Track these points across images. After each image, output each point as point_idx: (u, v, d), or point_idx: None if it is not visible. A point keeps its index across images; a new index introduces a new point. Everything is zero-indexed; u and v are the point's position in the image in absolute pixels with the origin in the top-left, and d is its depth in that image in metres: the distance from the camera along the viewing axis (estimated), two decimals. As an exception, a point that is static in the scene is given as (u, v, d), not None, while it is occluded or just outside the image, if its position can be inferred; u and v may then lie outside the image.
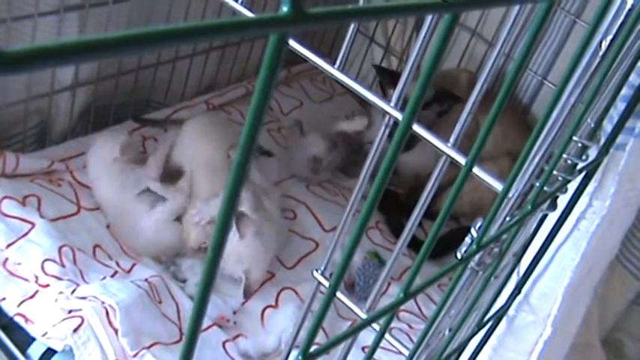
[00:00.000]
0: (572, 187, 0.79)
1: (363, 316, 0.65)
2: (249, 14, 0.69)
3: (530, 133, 0.57)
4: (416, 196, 0.66)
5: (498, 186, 0.60)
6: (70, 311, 1.27)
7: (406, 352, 0.69)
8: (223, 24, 0.24)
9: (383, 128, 0.66)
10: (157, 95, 1.90)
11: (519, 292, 0.87)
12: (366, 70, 2.33)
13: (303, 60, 0.66)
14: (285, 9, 0.25)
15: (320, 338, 1.37)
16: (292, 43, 0.63)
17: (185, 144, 1.66)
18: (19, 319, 1.28)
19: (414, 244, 1.64)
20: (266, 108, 0.26)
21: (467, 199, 1.79)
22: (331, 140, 1.87)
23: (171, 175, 1.64)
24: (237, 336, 1.42)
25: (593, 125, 0.74)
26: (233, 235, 1.46)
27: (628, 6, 0.61)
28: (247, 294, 1.48)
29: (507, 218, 0.66)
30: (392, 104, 0.65)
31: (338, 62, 0.67)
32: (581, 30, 1.80)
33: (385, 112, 0.66)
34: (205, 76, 2.00)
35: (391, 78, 1.79)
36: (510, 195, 0.64)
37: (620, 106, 0.77)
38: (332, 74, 0.68)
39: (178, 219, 1.54)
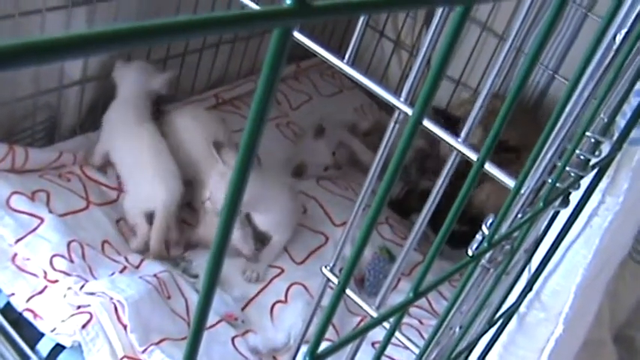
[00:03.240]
0: (585, 183, 0.78)
1: (374, 314, 0.64)
2: (255, 7, 0.68)
3: (540, 130, 0.55)
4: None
5: (510, 182, 0.59)
6: (78, 307, 1.27)
7: (416, 350, 0.68)
8: (227, 17, 0.23)
9: (392, 124, 0.65)
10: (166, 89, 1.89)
11: (530, 290, 0.86)
12: (375, 64, 2.32)
13: (313, 55, 0.66)
14: (289, 1, 0.24)
15: (329, 334, 1.36)
16: (302, 37, 0.63)
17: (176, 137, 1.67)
18: (28, 315, 1.27)
19: (435, 225, 1.63)
20: (270, 104, 0.25)
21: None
22: (333, 157, 1.87)
23: None
24: (247, 332, 1.42)
25: (606, 120, 0.73)
26: (218, 163, 1.51)
27: (643, -1, 0.59)
28: None
29: (519, 215, 0.65)
30: (402, 99, 0.64)
31: (347, 56, 0.66)
32: (593, 24, 1.79)
33: (395, 107, 0.65)
34: (215, 70, 1.99)
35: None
36: (522, 191, 0.63)
37: (633, 100, 0.76)
38: (341, 69, 0.67)
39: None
